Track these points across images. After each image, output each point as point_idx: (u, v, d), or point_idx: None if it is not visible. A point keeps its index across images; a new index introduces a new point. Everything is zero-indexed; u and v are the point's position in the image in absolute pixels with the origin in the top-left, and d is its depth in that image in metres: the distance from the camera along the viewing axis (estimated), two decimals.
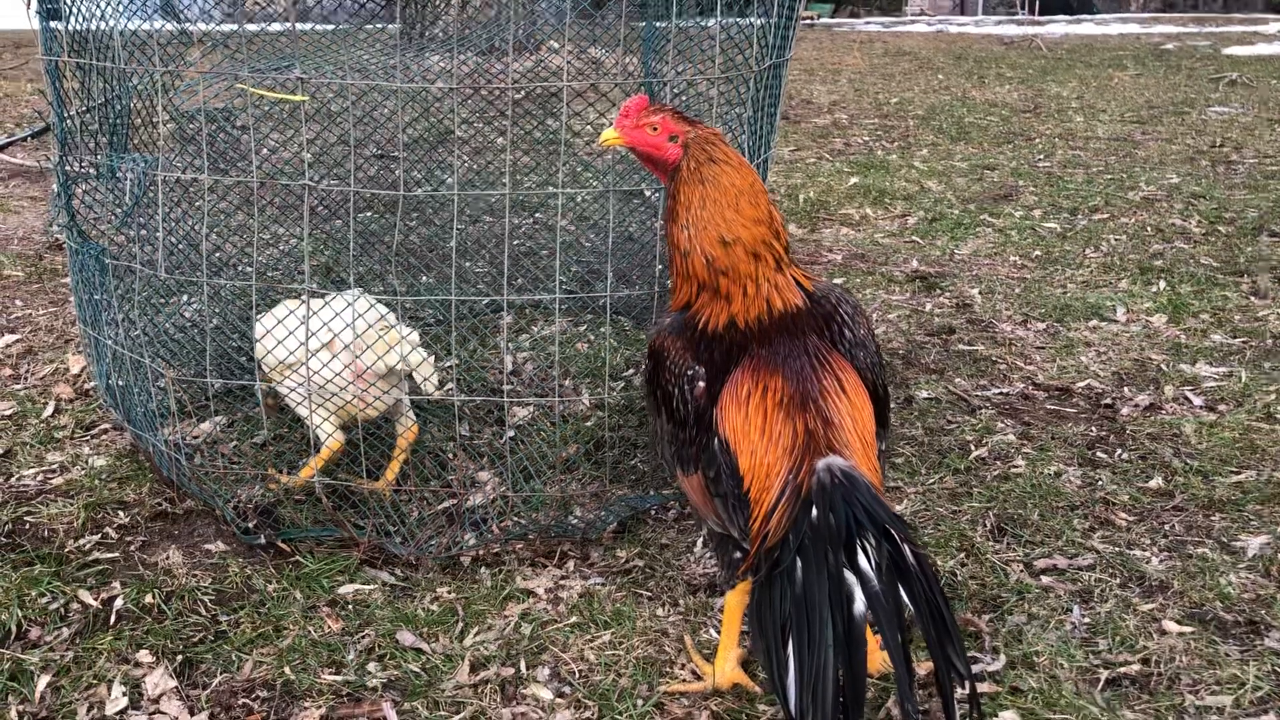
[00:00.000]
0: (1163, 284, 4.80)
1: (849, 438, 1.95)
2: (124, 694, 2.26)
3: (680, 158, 2.13)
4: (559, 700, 2.26)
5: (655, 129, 2.15)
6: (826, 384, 2.01)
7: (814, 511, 1.83)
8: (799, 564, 1.80)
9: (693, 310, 2.13)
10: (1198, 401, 3.62)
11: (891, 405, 2.32)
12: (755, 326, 2.08)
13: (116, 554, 2.78)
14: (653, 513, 2.97)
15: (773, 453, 1.94)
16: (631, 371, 3.79)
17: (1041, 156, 7.70)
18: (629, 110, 2.16)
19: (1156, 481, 3.10)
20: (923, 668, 2.21)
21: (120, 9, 2.77)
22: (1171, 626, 2.44)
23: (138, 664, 2.36)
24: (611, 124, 2.22)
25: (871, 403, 2.07)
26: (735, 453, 2.00)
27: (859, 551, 1.77)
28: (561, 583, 2.66)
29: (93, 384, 3.67)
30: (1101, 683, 2.27)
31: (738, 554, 2.14)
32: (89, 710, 2.23)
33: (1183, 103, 10.15)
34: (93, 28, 2.82)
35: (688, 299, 2.14)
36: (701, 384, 2.08)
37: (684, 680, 2.31)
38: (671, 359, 2.13)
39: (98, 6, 2.77)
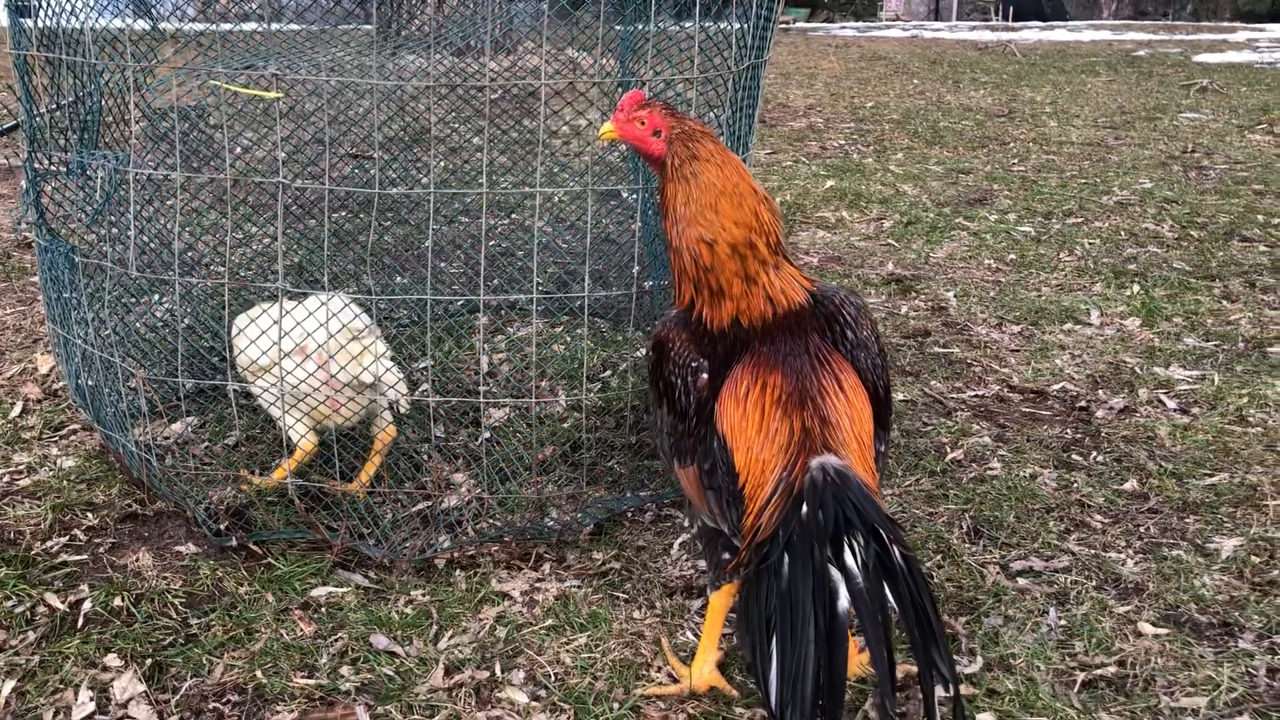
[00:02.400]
0: (1136, 288, 4.83)
1: (846, 437, 1.95)
2: (91, 699, 2.22)
3: (664, 153, 2.14)
4: (534, 704, 2.24)
5: (643, 123, 2.16)
6: (825, 383, 2.01)
7: (804, 508, 1.83)
8: (786, 559, 1.81)
9: (697, 308, 2.13)
10: (1171, 404, 3.64)
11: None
12: (759, 324, 2.07)
13: (85, 556, 2.73)
14: (629, 515, 2.95)
15: (768, 449, 1.94)
16: (608, 373, 3.77)
17: (1016, 161, 7.74)
18: (623, 104, 2.19)
19: (1131, 484, 3.11)
20: (901, 670, 2.21)
21: (91, 6, 2.73)
22: (1147, 628, 2.45)
23: (106, 668, 2.32)
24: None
25: (871, 404, 2.07)
26: (732, 449, 2.00)
27: (845, 549, 1.78)
28: (537, 585, 2.64)
29: (62, 384, 3.62)
30: (1078, 685, 2.27)
31: (726, 554, 2.14)
32: (55, 715, 2.19)
33: (1155, 108, 10.24)
34: (63, 24, 2.78)
35: (689, 296, 2.14)
36: (705, 376, 2.08)
37: (660, 683, 2.29)
38: (676, 350, 2.13)
39: (69, 3, 2.73)
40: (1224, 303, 4.65)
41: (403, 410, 3.06)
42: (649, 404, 2.26)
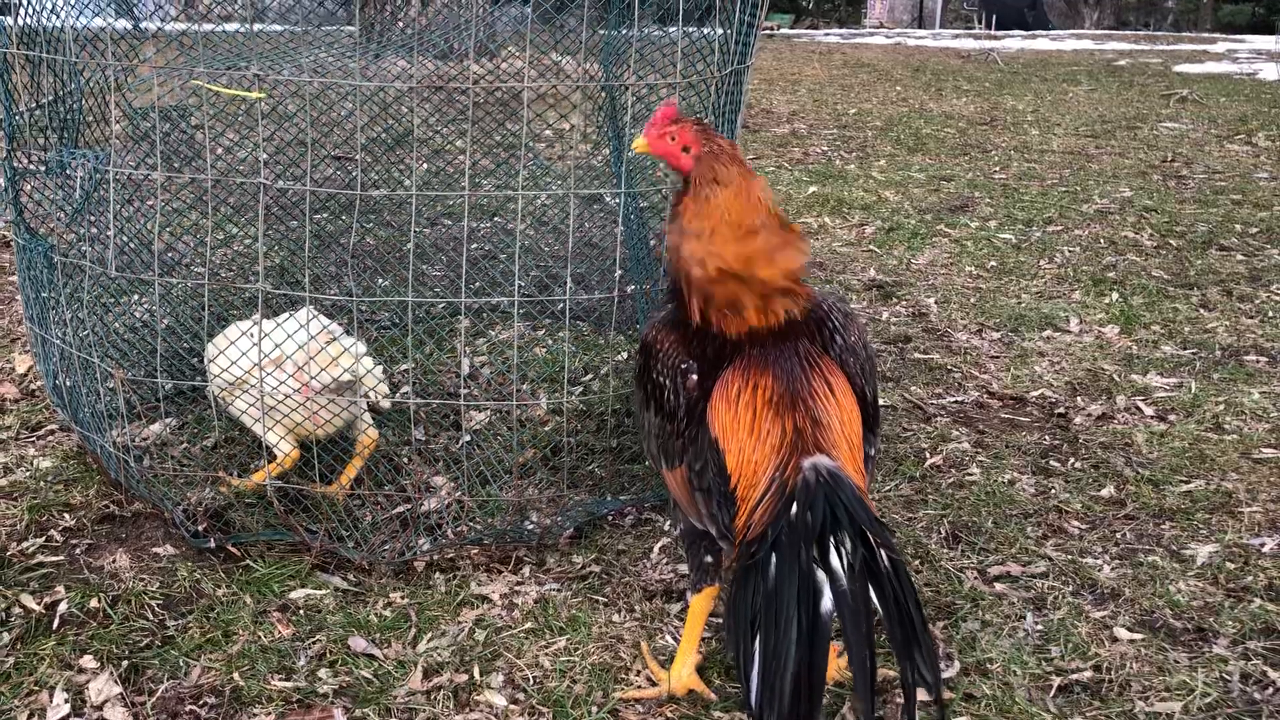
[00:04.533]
0: (1115, 295, 4.87)
1: (837, 438, 1.97)
2: (66, 700, 2.21)
3: (691, 170, 2.15)
4: (512, 707, 2.24)
5: (673, 139, 2.17)
6: (816, 385, 2.02)
7: (794, 508, 1.84)
8: (773, 558, 1.82)
9: (686, 311, 2.14)
10: (1149, 411, 3.67)
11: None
12: (744, 335, 2.09)
13: (61, 557, 2.72)
14: (610, 518, 2.95)
15: (760, 450, 1.96)
16: (590, 377, 3.77)
17: (997, 168, 7.78)
18: (656, 119, 2.19)
19: (1108, 490, 3.13)
20: (881, 673, 2.22)
21: (72, 5, 2.72)
22: (1122, 634, 2.47)
23: (81, 670, 2.31)
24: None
25: (860, 408, 2.08)
26: (723, 450, 2.01)
27: (832, 550, 1.79)
28: (517, 588, 2.64)
29: (39, 384, 3.60)
30: (1054, 690, 2.29)
31: (709, 558, 2.14)
32: (30, 717, 2.18)
33: (1135, 118, 10.31)
34: (44, 23, 2.76)
35: (681, 297, 2.15)
36: (694, 377, 2.09)
37: (639, 686, 2.30)
38: (664, 351, 2.14)
39: (49, 2, 2.72)
40: (1202, 311, 4.69)
41: (383, 408, 3.05)
42: (636, 406, 2.27)
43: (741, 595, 1.86)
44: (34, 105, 2.91)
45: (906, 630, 1.78)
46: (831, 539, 1.80)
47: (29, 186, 3.01)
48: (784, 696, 1.73)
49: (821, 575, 1.79)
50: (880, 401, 3.69)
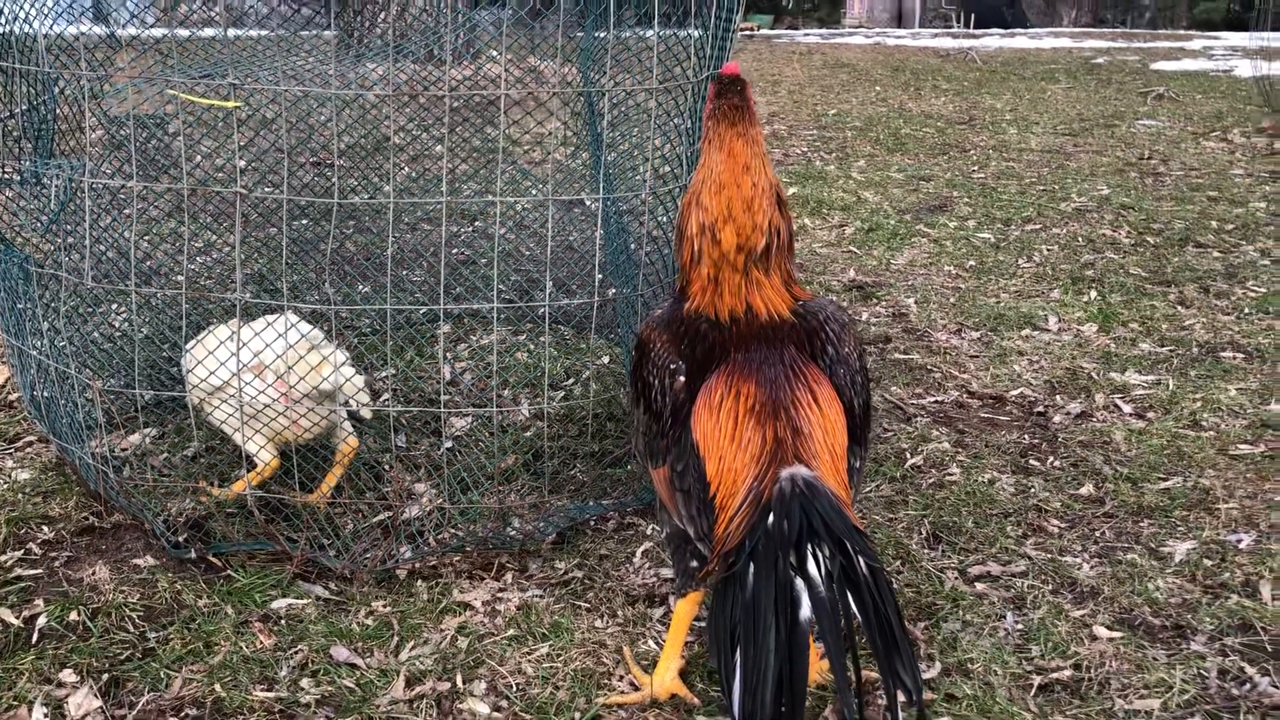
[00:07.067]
0: (1093, 293, 4.90)
1: (818, 448, 1.97)
2: (45, 715, 2.20)
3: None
4: (496, 714, 2.24)
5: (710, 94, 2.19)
6: (799, 394, 2.02)
7: (770, 518, 1.85)
8: (750, 568, 1.82)
9: (686, 294, 2.15)
10: (1127, 409, 3.69)
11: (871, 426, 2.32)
12: (735, 328, 2.09)
13: (40, 570, 2.70)
14: (592, 523, 2.95)
15: (740, 459, 1.96)
16: (571, 381, 3.77)
17: (976, 168, 7.81)
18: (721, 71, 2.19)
19: (1087, 488, 3.15)
20: (867, 673, 2.22)
21: (45, 12, 2.70)
22: (1102, 632, 2.48)
23: (60, 684, 2.29)
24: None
25: (847, 419, 2.08)
26: (704, 457, 2.01)
27: (809, 559, 1.79)
28: (499, 595, 2.64)
29: (17, 395, 3.58)
30: (1034, 689, 2.30)
31: (694, 562, 2.15)
32: None
33: (1112, 116, 10.37)
34: (15, 31, 2.75)
35: (683, 281, 2.17)
36: (682, 378, 2.09)
37: (622, 692, 2.30)
38: (656, 351, 2.15)
39: (20, 8, 2.70)
40: (1179, 308, 4.72)
41: (365, 417, 3.05)
42: (627, 402, 2.29)
43: (721, 605, 1.87)
44: (7, 114, 2.89)
45: (886, 637, 1.78)
46: (809, 547, 1.81)
47: (3, 196, 2.99)
48: (765, 705, 1.73)
49: (800, 583, 1.79)
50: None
